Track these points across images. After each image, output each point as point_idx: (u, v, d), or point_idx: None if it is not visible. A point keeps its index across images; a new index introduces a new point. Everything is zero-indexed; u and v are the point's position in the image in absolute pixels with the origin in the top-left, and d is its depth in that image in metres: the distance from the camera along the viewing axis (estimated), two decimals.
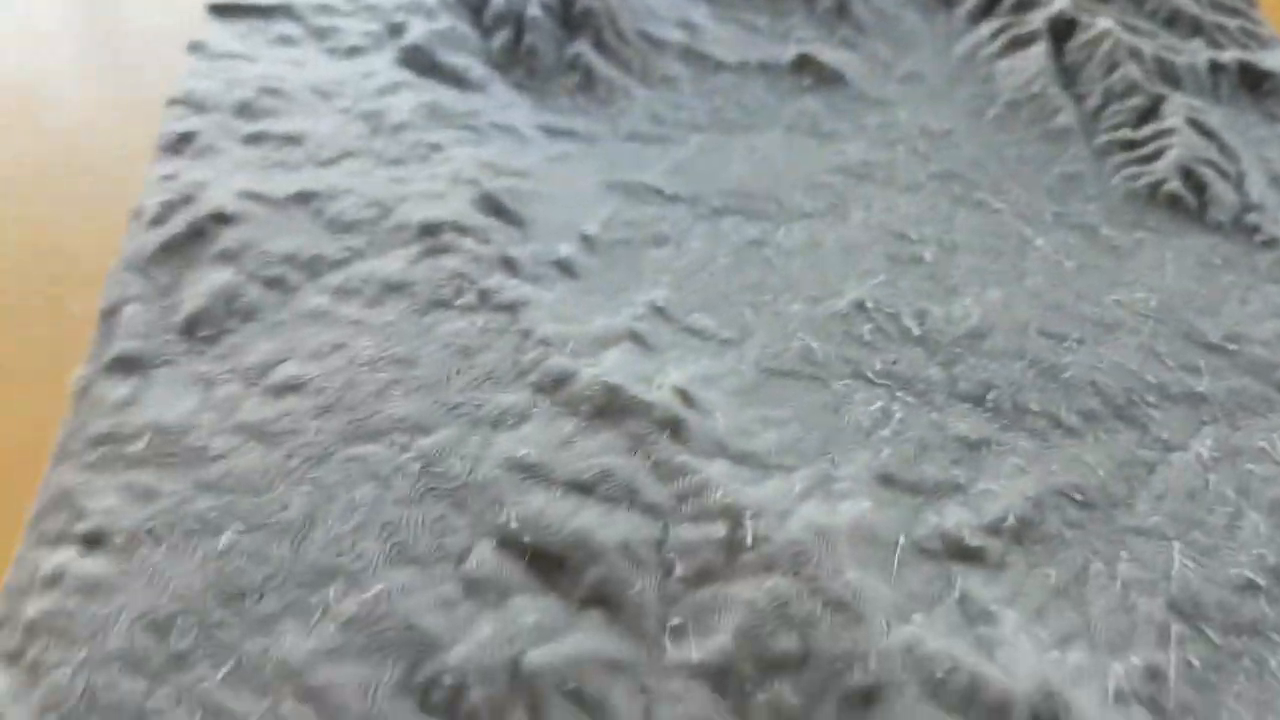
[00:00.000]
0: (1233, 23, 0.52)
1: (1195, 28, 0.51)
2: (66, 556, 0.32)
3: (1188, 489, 0.37)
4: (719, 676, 0.31)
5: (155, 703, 0.29)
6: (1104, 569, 0.34)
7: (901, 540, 0.35)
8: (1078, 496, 0.36)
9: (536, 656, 0.31)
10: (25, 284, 0.42)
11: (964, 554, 0.34)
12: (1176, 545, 0.35)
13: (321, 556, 0.32)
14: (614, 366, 0.38)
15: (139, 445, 0.35)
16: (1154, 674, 0.32)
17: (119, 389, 0.37)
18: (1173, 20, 0.52)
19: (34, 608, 0.31)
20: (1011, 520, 0.35)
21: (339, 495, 0.34)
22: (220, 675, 0.30)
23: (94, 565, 0.32)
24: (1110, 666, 0.32)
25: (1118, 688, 0.31)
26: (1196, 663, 0.32)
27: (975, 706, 0.30)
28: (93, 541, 0.33)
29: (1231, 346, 0.42)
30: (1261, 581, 0.35)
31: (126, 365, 0.38)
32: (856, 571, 0.33)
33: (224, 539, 0.33)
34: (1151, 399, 0.40)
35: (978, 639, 0.32)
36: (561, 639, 0.31)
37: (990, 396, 0.40)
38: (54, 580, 0.32)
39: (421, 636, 0.31)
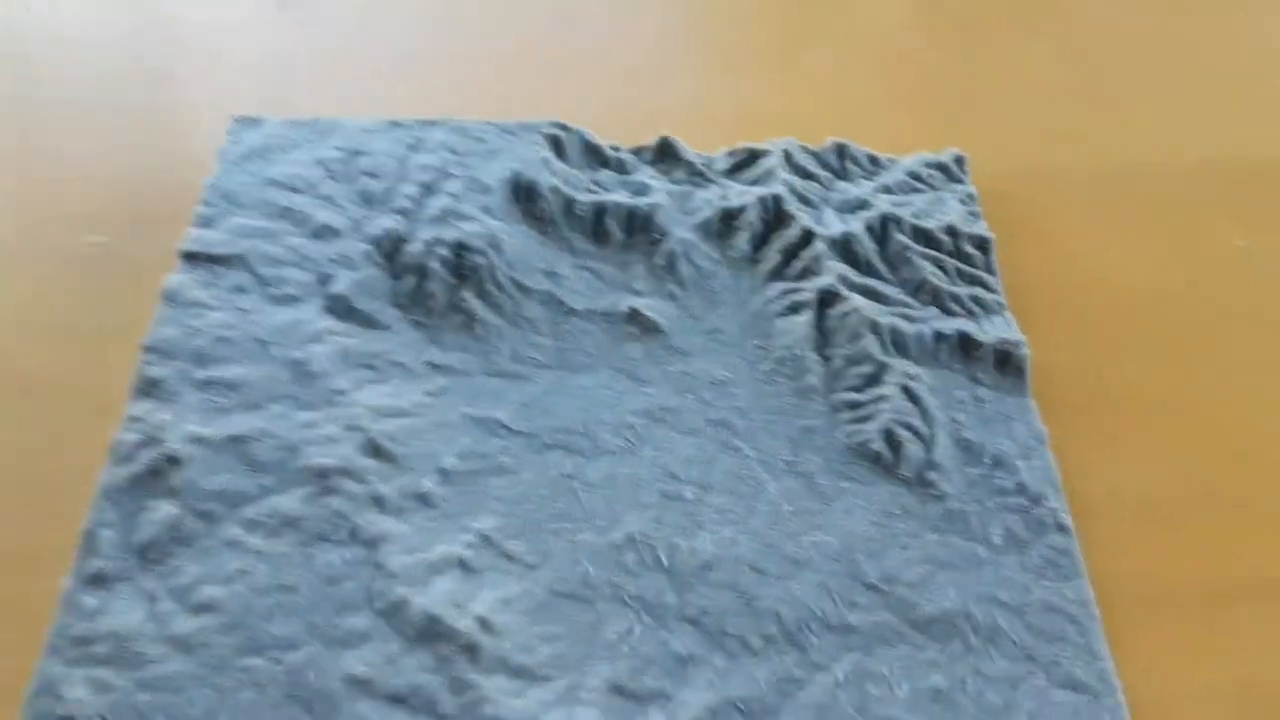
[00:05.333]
0: (967, 291, 0.66)
1: (934, 296, 0.65)
2: None
3: (819, 704, 0.52)
4: None
5: None
6: None
7: None
8: (741, 706, 0.52)
9: None
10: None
11: None
12: None
13: None
14: (439, 596, 0.54)
15: (102, 648, 0.52)
16: None
17: (91, 600, 0.53)
18: (918, 288, 0.66)
19: None
20: None
21: (229, 698, 0.50)
22: None
23: None
24: None
25: None
26: None
27: None
28: None
29: (884, 586, 0.57)
30: None
31: (98, 580, 0.54)
32: None
33: None
34: (814, 628, 0.55)
35: None
36: None
37: (704, 620, 0.55)
38: None
39: None
